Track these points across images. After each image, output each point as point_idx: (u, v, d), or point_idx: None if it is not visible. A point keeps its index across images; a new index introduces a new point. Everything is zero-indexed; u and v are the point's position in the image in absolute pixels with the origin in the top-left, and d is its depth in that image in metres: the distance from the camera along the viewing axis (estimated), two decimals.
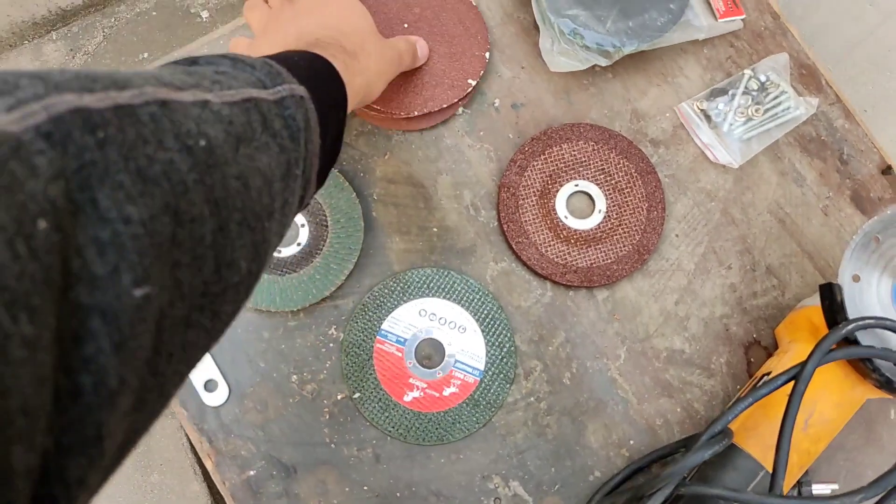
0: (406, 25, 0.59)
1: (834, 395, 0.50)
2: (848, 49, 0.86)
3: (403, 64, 0.55)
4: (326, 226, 0.57)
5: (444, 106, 0.58)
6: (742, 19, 0.64)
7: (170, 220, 0.22)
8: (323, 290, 0.56)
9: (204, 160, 0.25)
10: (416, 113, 0.58)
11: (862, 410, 0.56)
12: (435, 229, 0.59)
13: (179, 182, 0.23)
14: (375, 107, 0.57)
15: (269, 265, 0.31)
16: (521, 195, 0.59)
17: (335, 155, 0.42)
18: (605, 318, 0.58)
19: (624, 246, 0.59)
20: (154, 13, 1.24)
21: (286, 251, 0.56)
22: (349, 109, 0.43)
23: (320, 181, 0.40)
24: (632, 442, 0.56)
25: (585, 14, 0.58)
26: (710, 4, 0.63)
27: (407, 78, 0.59)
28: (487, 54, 0.60)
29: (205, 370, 0.55)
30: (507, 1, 0.63)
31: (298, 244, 0.57)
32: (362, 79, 0.46)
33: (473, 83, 0.59)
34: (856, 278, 0.49)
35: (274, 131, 0.31)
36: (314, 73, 0.39)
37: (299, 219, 0.57)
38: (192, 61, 0.32)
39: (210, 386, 0.54)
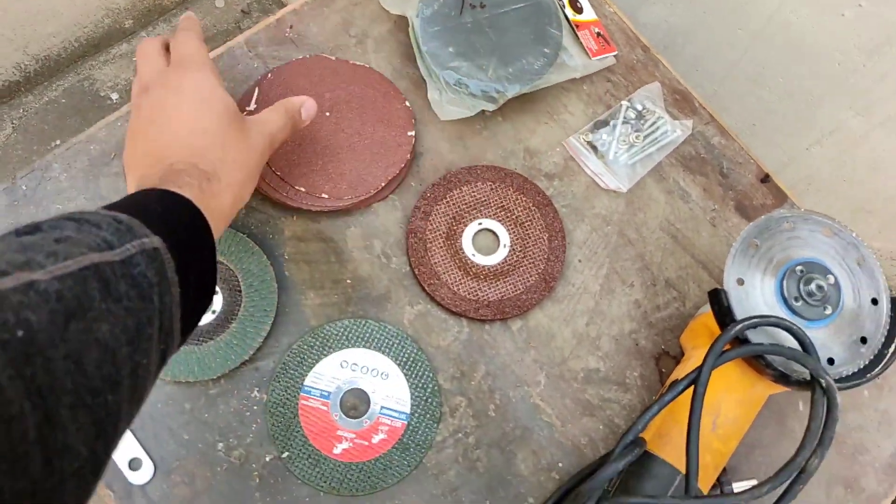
0: (328, 114, 0.63)
1: (736, 394, 0.53)
2: (728, 69, 0.93)
3: (278, 140, 0.52)
4: (240, 290, 0.58)
5: (377, 189, 0.62)
6: (615, 55, 0.69)
7: None
8: (242, 355, 0.56)
9: (22, 351, 0.23)
10: (347, 198, 0.61)
11: (773, 405, 0.59)
12: (349, 281, 0.60)
13: None
14: (298, 188, 0.60)
15: (122, 436, 0.31)
16: (429, 239, 0.61)
17: (208, 290, 0.41)
18: (521, 347, 0.60)
19: (531, 276, 0.61)
20: (63, 100, 1.24)
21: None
22: (219, 235, 0.43)
23: (193, 323, 0.39)
24: (560, 464, 0.58)
25: (467, 65, 0.62)
26: (582, 45, 0.68)
27: (333, 163, 0.61)
28: (412, 132, 0.63)
29: (127, 448, 0.54)
30: (395, 58, 0.67)
31: (213, 311, 0.57)
32: (229, 195, 0.45)
33: (399, 169, 0.62)
34: (740, 282, 0.53)
35: (119, 295, 0.30)
36: (169, 216, 0.38)
37: None
38: (35, 227, 0.30)
39: (134, 464, 0.54)
